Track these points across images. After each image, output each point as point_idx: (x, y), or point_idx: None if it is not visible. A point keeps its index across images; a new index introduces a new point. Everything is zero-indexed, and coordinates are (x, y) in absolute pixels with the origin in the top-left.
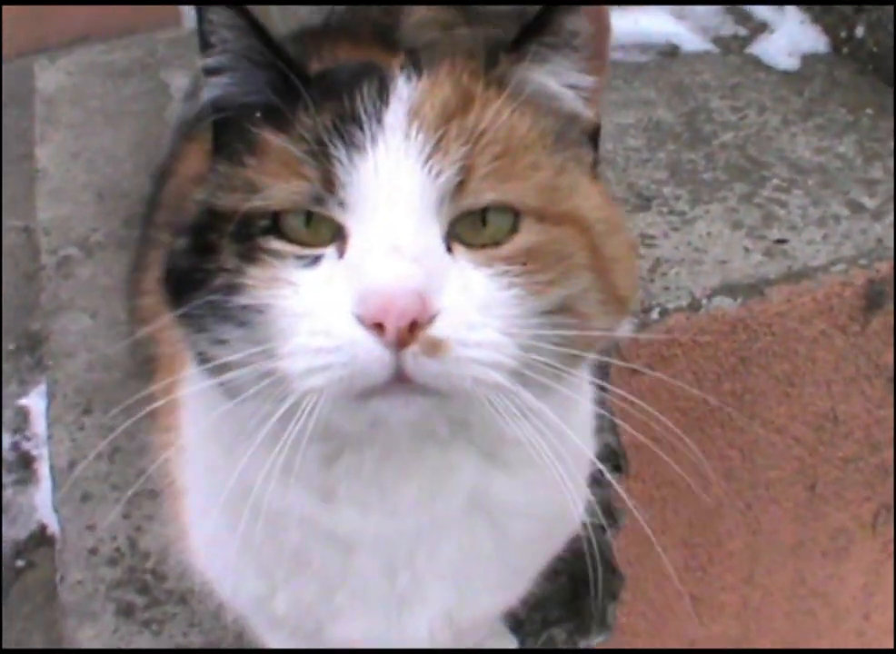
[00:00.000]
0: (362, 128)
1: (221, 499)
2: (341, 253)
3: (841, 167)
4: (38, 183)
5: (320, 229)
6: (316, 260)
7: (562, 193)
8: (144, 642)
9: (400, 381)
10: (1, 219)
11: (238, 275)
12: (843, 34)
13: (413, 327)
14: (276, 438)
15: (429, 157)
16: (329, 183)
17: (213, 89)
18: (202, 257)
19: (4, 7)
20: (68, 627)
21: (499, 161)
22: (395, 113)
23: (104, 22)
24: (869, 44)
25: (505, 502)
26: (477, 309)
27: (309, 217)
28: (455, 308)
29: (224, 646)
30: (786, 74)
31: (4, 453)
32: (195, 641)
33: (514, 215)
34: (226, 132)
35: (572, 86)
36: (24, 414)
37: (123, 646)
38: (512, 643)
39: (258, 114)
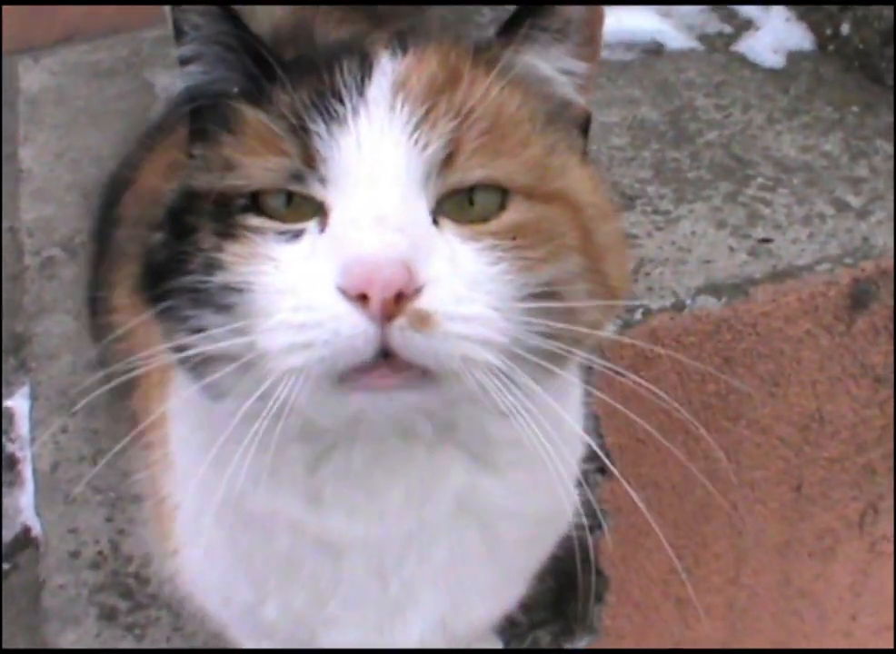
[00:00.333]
0: (342, 101)
1: (212, 507)
2: (322, 228)
3: (826, 165)
4: (22, 184)
5: (301, 207)
6: (297, 235)
7: (553, 172)
8: (127, 646)
9: (385, 359)
10: None
11: (216, 253)
12: (829, 32)
13: (399, 299)
14: (260, 436)
15: (415, 130)
16: (309, 159)
17: (188, 77)
18: (179, 241)
19: None
20: (50, 631)
21: (487, 136)
22: (379, 86)
23: (88, 22)
24: (854, 42)
25: (495, 505)
26: (465, 283)
27: (290, 197)
28: (442, 280)
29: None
30: (771, 72)
31: None
32: (178, 645)
33: (503, 193)
34: (202, 119)
35: (564, 71)
36: (8, 416)
37: (105, 649)
38: (496, 645)
39: (235, 90)
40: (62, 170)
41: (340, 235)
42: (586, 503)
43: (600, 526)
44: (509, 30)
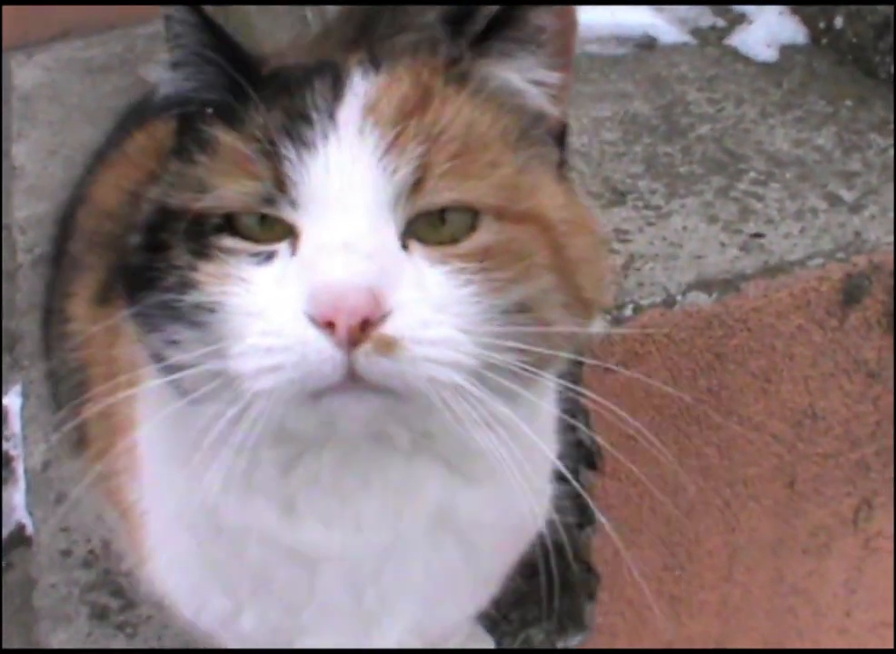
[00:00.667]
0: (312, 125)
1: (183, 516)
2: (293, 251)
3: (819, 160)
4: (15, 181)
5: (274, 227)
6: (269, 257)
7: (523, 192)
8: (118, 646)
9: (353, 381)
10: None
11: (190, 272)
12: (822, 25)
13: (366, 325)
14: (230, 443)
15: (384, 154)
16: (280, 183)
17: (167, 85)
18: (153, 255)
19: None
20: (41, 630)
21: (457, 159)
22: (350, 109)
23: (82, 18)
24: (848, 35)
25: (472, 517)
26: (432, 306)
27: (263, 217)
28: (409, 305)
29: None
30: (764, 66)
31: None
32: (170, 645)
33: (473, 214)
34: (181, 129)
35: (536, 83)
36: (2, 413)
37: (97, 649)
38: (489, 644)
39: (210, 111)
40: (55, 167)
41: (308, 261)
42: (578, 500)
43: (592, 523)
44: (480, 42)
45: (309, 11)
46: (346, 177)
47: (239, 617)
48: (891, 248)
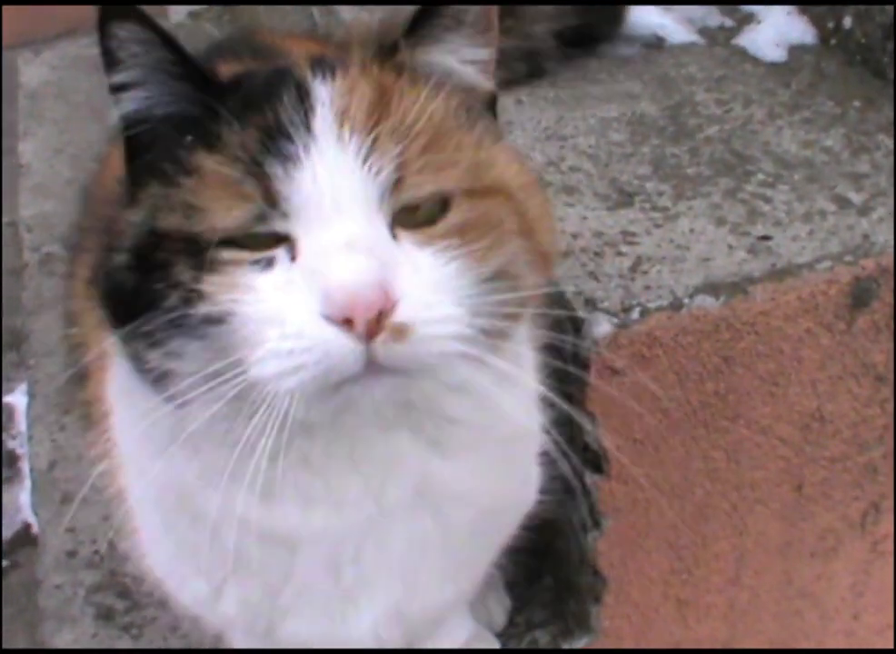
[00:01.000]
0: (291, 140)
1: (157, 501)
2: (292, 257)
3: (827, 161)
4: (22, 179)
5: (267, 238)
6: (269, 263)
7: (485, 167)
8: (124, 647)
9: (371, 368)
10: None
11: (196, 286)
12: (831, 26)
13: (380, 317)
14: (220, 439)
15: (365, 158)
16: (270, 199)
17: (126, 104)
18: (150, 275)
19: None
20: (47, 631)
21: (429, 151)
22: (323, 119)
23: (89, 15)
24: (857, 36)
25: (451, 491)
26: (429, 288)
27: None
28: (412, 291)
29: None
30: (773, 66)
31: None
32: (176, 646)
33: (444, 197)
34: (147, 147)
35: (470, 61)
36: (8, 412)
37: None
38: (494, 645)
39: (189, 139)
40: (62, 165)
41: (315, 266)
42: (585, 504)
43: (598, 526)
44: (413, 31)
45: (315, 9)
46: (335, 184)
47: (219, 599)
48: None
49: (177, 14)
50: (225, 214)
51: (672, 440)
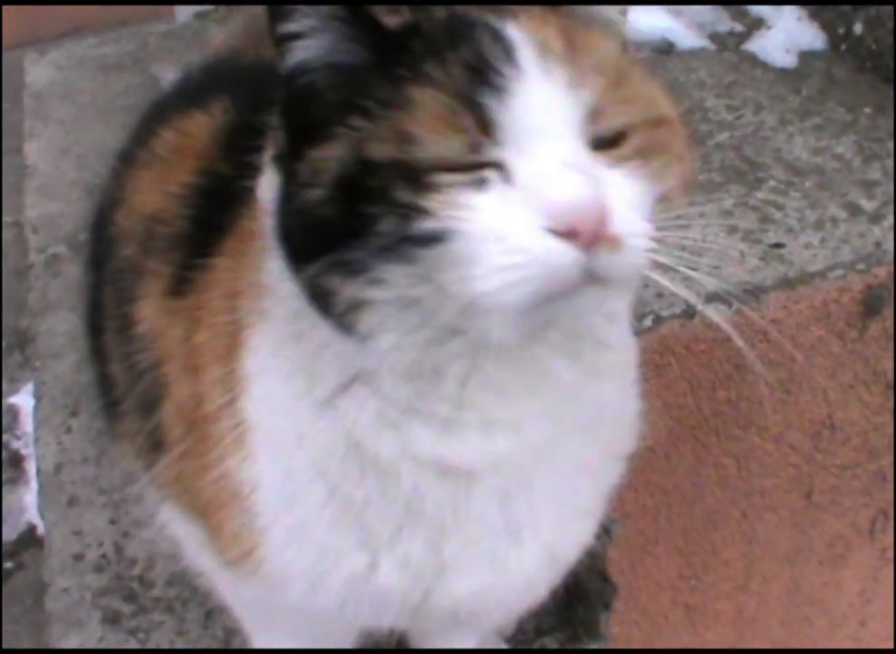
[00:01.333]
0: (500, 73)
1: (313, 466)
2: (506, 179)
3: (838, 168)
4: (27, 180)
5: (480, 164)
6: (483, 182)
7: (653, 101)
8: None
9: (583, 279)
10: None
11: (416, 204)
12: (841, 31)
13: (598, 229)
14: (405, 371)
15: (570, 88)
16: (483, 128)
17: (298, 53)
18: (358, 204)
19: None
20: (53, 635)
21: (619, 85)
22: (527, 52)
23: (94, 15)
24: (867, 42)
25: (610, 415)
26: (627, 204)
27: None
28: (618, 207)
29: None
30: (783, 72)
31: None
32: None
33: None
34: (324, 92)
35: (621, 13)
36: (13, 413)
37: None
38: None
39: (406, 73)
40: (67, 166)
41: (535, 184)
42: None
43: (608, 533)
44: None
45: None
46: (546, 112)
47: (375, 571)
48: None
49: (183, 14)
50: (442, 143)
51: (683, 447)
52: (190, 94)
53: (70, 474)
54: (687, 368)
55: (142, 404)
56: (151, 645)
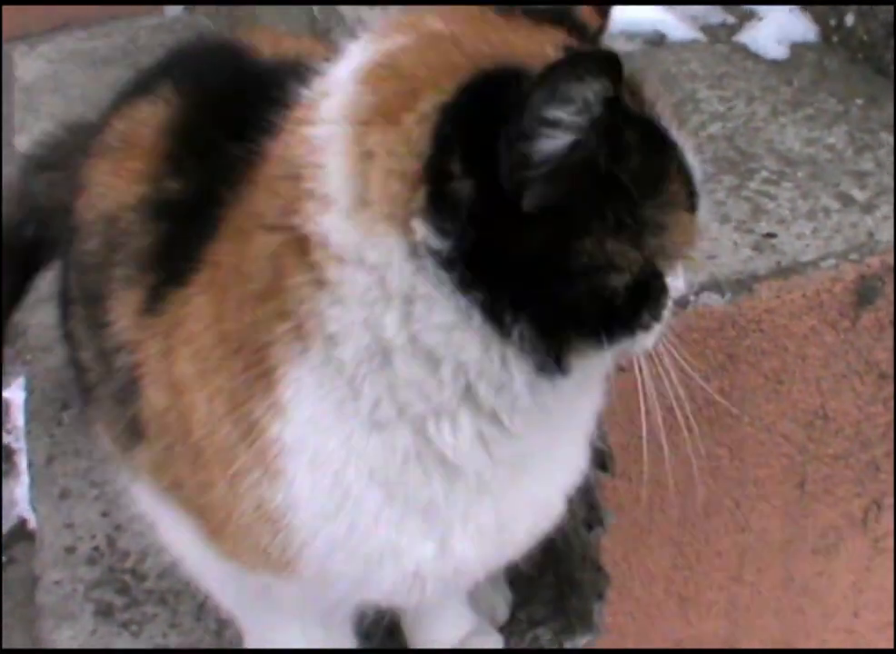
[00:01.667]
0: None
1: (367, 478)
2: None
3: (830, 159)
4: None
5: None
6: None
7: None
8: (123, 644)
9: None
10: None
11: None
12: (833, 23)
13: None
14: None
15: None
16: None
17: (554, 142)
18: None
19: None
20: (45, 628)
21: None
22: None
23: (85, 8)
24: (859, 33)
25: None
26: None
27: None
28: None
29: (204, 646)
30: (775, 63)
31: None
32: (175, 643)
33: None
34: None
35: None
36: (4, 407)
37: (101, 647)
38: (497, 643)
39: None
40: None
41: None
42: (587, 500)
43: (601, 523)
44: None
45: (316, 8)
46: None
47: (446, 551)
48: None
49: (173, 9)
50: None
51: (676, 437)
52: (141, 81)
53: (62, 467)
54: (680, 357)
55: (116, 394)
56: (144, 637)
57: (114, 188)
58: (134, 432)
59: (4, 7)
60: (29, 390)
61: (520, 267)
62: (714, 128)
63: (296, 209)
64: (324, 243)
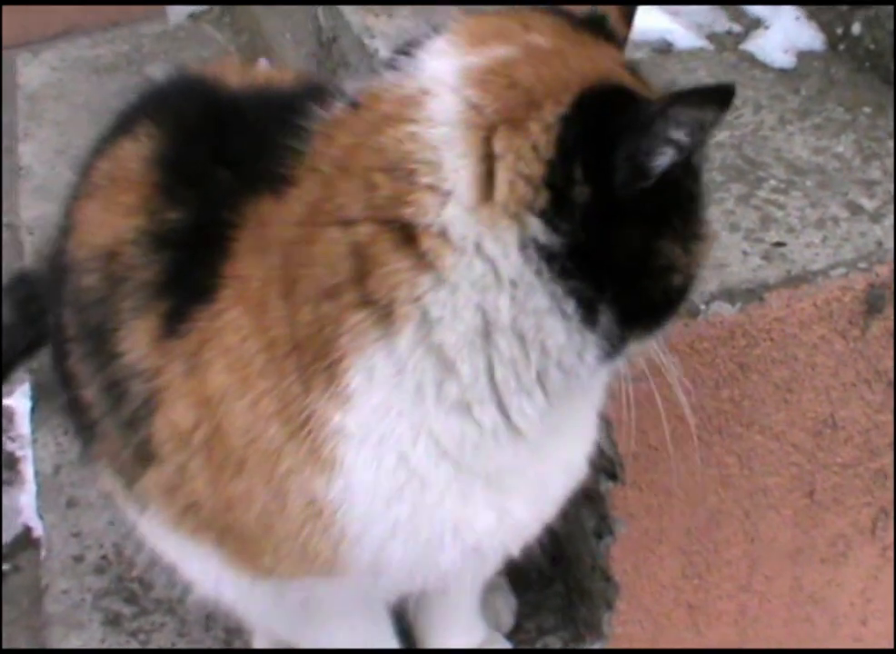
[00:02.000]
0: None
1: (438, 455)
2: None
3: (839, 167)
4: (22, 181)
5: None
6: None
7: None
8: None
9: None
10: None
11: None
12: (840, 31)
13: None
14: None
15: None
16: None
17: (664, 159)
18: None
19: None
20: (53, 637)
21: None
22: None
23: (88, 15)
24: (866, 42)
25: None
26: None
27: None
28: None
29: None
30: (782, 72)
31: None
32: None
33: None
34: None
35: None
36: (8, 414)
37: None
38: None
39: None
40: (62, 167)
41: None
42: (597, 509)
43: (611, 532)
44: None
45: (320, 10)
46: None
47: (508, 517)
48: None
49: (176, 15)
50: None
51: (686, 446)
52: (118, 124)
53: (69, 476)
54: (690, 366)
55: (126, 422)
56: (152, 646)
57: (107, 224)
58: (142, 457)
59: (8, 15)
60: (35, 398)
61: (617, 263)
62: (722, 136)
63: (408, 201)
64: (441, 233)
